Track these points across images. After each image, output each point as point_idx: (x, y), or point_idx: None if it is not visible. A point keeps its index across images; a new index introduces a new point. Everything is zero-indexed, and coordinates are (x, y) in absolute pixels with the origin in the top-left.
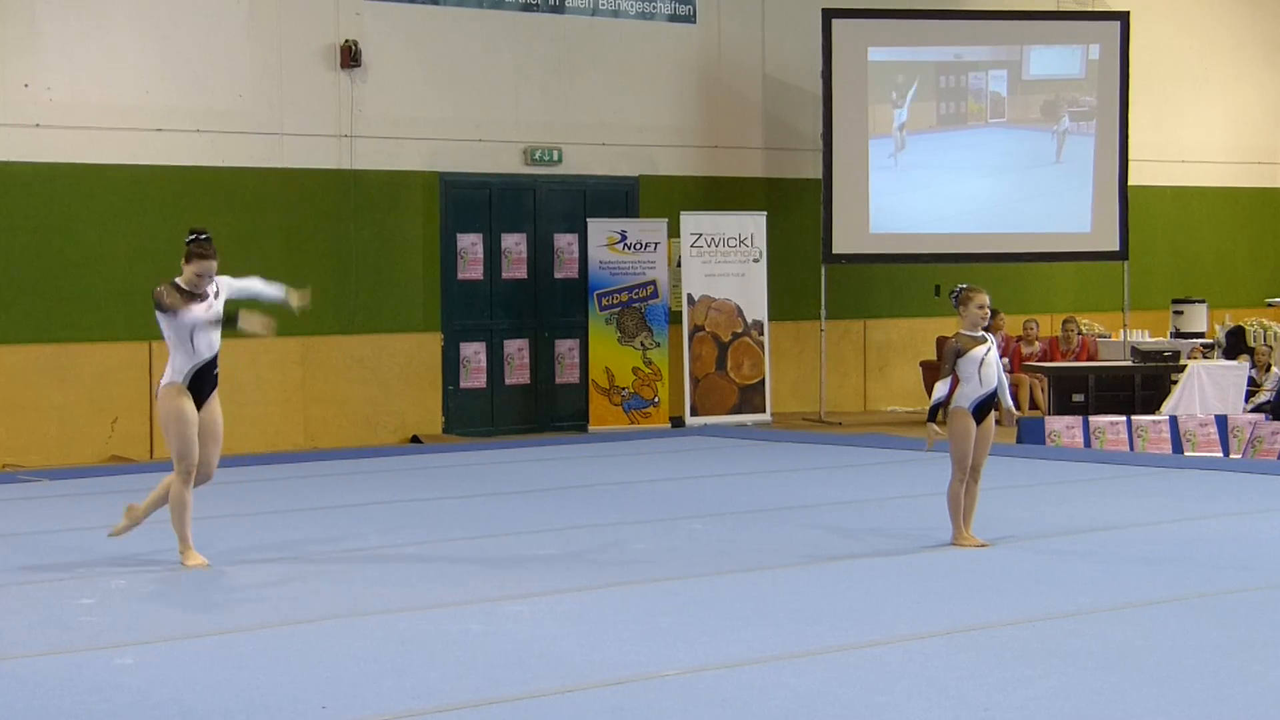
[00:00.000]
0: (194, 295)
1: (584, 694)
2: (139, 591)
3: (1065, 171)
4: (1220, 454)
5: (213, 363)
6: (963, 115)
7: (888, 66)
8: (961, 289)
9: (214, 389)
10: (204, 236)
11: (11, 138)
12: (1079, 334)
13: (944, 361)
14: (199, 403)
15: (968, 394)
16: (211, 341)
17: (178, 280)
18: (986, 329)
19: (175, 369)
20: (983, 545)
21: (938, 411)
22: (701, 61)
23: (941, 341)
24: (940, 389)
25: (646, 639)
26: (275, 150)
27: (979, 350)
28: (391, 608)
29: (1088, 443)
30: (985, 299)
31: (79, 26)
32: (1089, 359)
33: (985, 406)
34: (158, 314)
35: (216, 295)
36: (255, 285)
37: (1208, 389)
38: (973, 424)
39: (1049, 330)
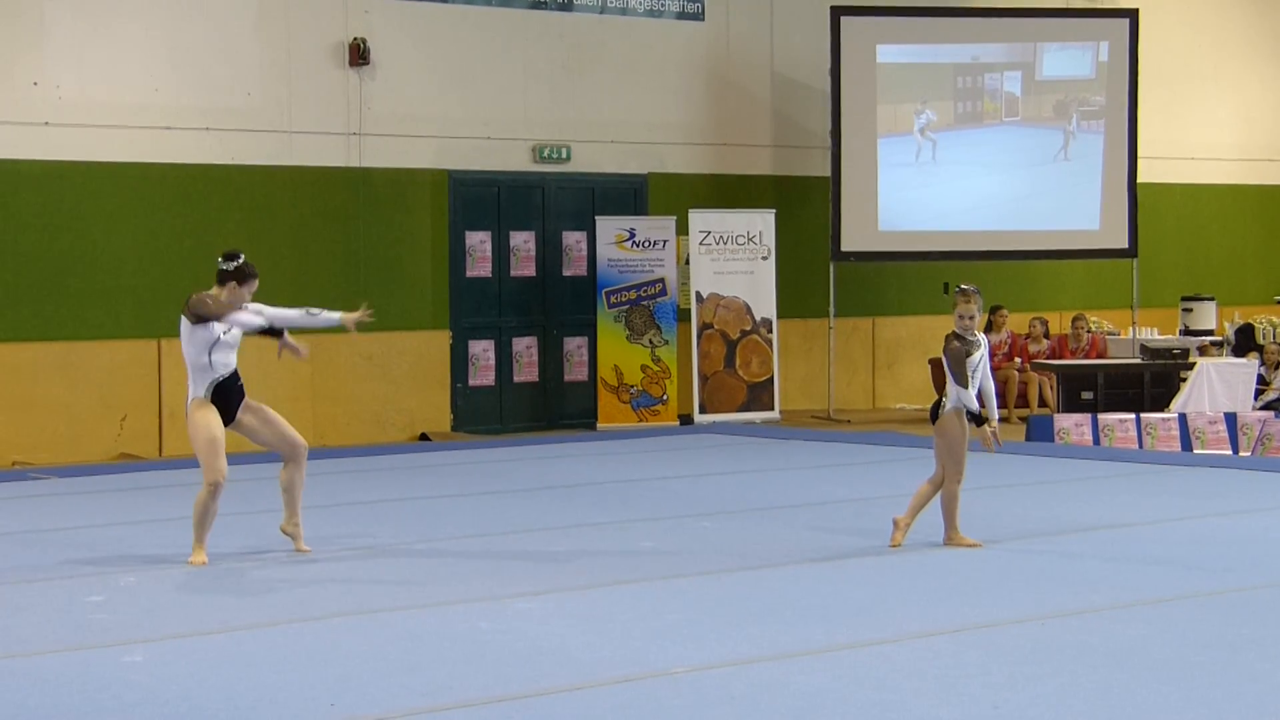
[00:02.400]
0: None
1: (592, 691)
2: (148, 589)
3: (1074, 169)
4: (1229, 451)
5: (234, 377)
6: (978, 114)
7: (896, 63)
8: (959, 291)
9: (242, 399)
10: (244, 258)
11: (20, 136)
12: (1088, 332)
13: (957, 367)
14: (231, 414)
15: (959, 395)
16: (228, 361)
17: (209, 295)
18: (987, 329)
19: (196, 385)
20: (975, 545)
21: (978, 417)
22: (710, 59)
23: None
24: (969, 397)
25: (655, 636)
26: (284, 148)
27: (975, 355)
28: (400, 605)
29: (1097, 440)
30: (970, 309)
31: (88, 25)
32: (1098, 357)
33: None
34: (187, 324)
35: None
36: (294, 318)
37: (1217, 386)
38: (967, 425)
39: (1058, 328)
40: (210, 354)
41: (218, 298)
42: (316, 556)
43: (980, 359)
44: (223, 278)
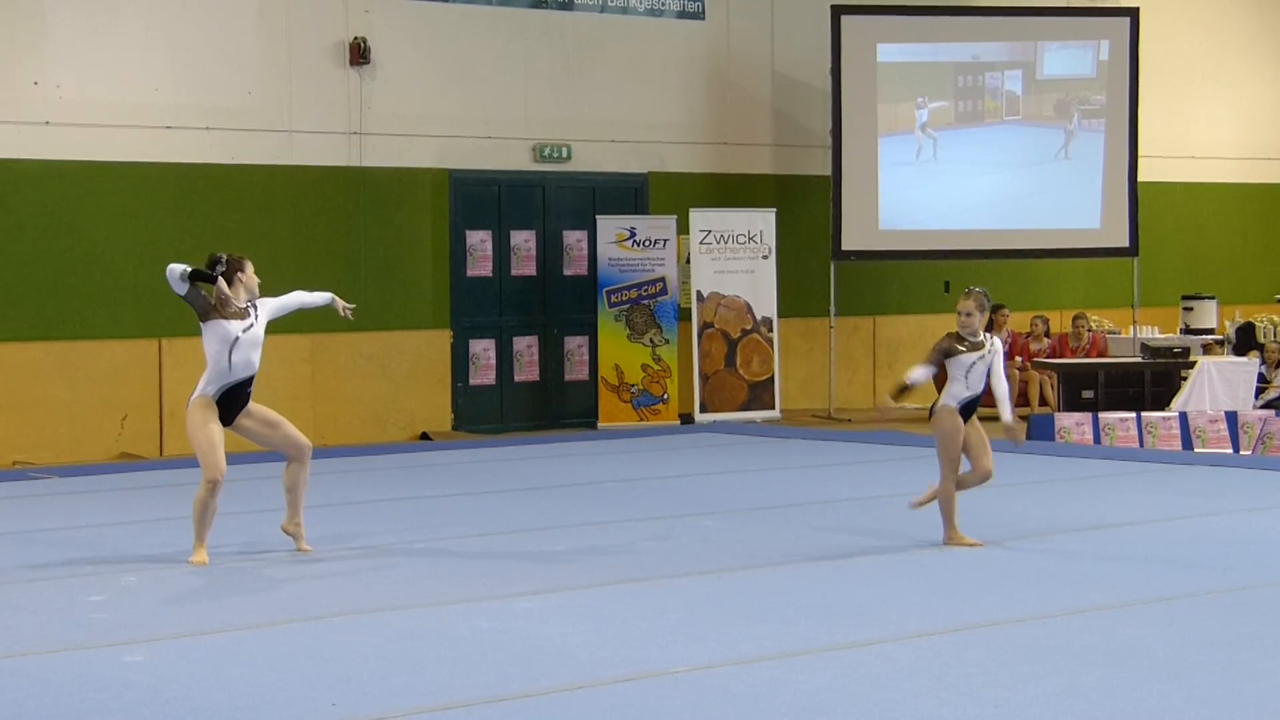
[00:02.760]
0: (239, 311)
1: (593, 691)
2: (149, 589)
3: (1075, 168)
4: (1230, 450)
5: (247, 382)
6: (978, 113)
7: (897, 62)
8: (965, 291)
9: (244, 407)
10: (222, 255)
11: (21, 135)
12: (1089, 330)
13: (930, 352)
14: (229, 418)
15: (955, 393)
16: (250, 361)
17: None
18: (988, 329)
19: (207, 381)
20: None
21: (902, 391)
22: (710, 58)
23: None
24: (915, 372)
25: (656, 636)
26: (285, 147)
27: (968, 356)
28: (401, 604)
29: (1097, 439)
30: (969, 305)
31: (88, 24)
32: (1099, 356)
33: (972, 406)
34: (202, 323)
35: (258, 317)
36: (299, 297)
37: (1217, 385)
38: (960, 421)
39: (1059, 327)
40: (231, 354)
41: (233, 297)
42: (317, 556)
43: (977, 360)
44: (227, 280)
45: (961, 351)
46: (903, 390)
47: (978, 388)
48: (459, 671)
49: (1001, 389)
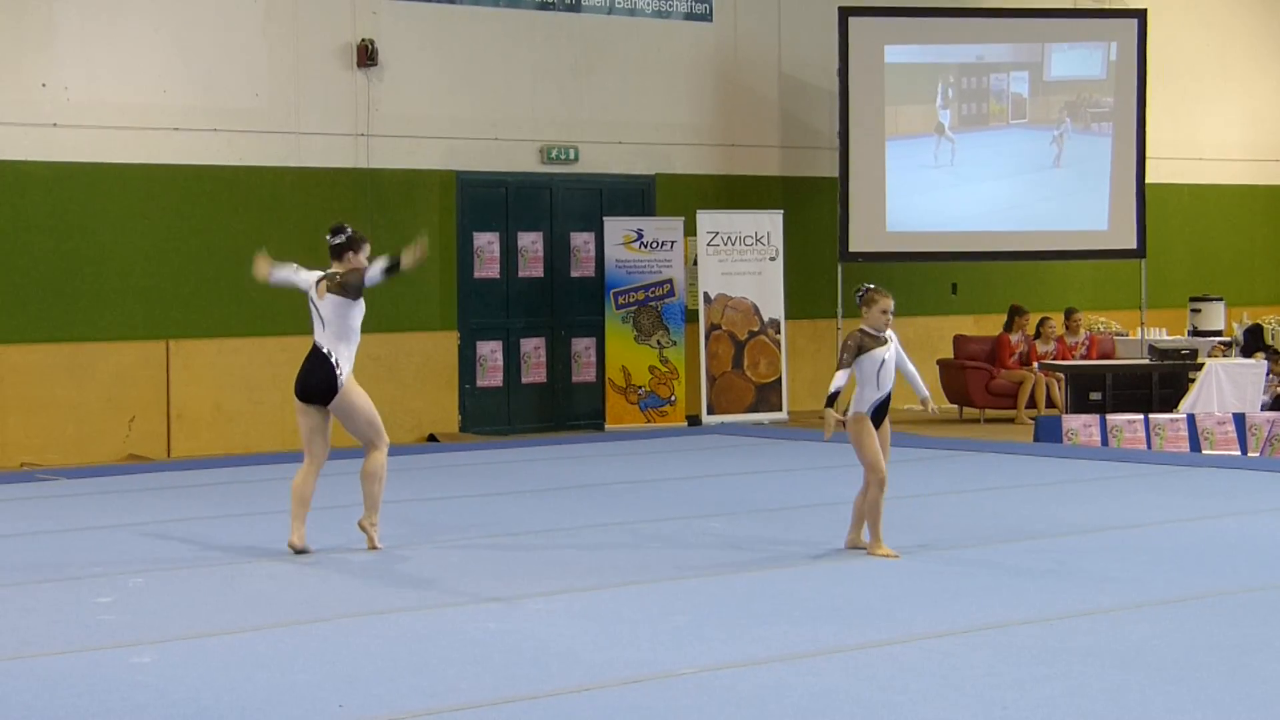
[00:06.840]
0: None
1: (601, 692)
2: (157, 590)
3: (1082, 170)
4: (1238, 452)
5: None
6: (984, 116)
7: (904, 64)
8: (867, 289)
9: None
10: (350, 228)
11: (29, 137)
12: (1084, 329)
13: (844, 353)
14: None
15: (866, 397)
16: None
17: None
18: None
19: (350, 359)
20: (895, 556)
21: (834, 400)
22: (718, 60)
23: (851, 336)
24: (838, 379)
25: (663, 637)
26: (292, 149)
27: (880, 351)
28: (408, 606)
29: (1105, 441)
30: (889, 304)
31: (96, 26)
32: (1100, 355)
33: (882, 410)
34: (345, 302)
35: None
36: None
37: (1225, 387)
38: (872, 427)
39: (1061, 329)
40: (359, 324)
41: (353, 269)
42: (322, 557)
43: (886, 357)
44: (339, 251)
45: (874, 348)
46: (832, 400)
47: (888, 386)
48: (466, 673)
49: (910, 369)
